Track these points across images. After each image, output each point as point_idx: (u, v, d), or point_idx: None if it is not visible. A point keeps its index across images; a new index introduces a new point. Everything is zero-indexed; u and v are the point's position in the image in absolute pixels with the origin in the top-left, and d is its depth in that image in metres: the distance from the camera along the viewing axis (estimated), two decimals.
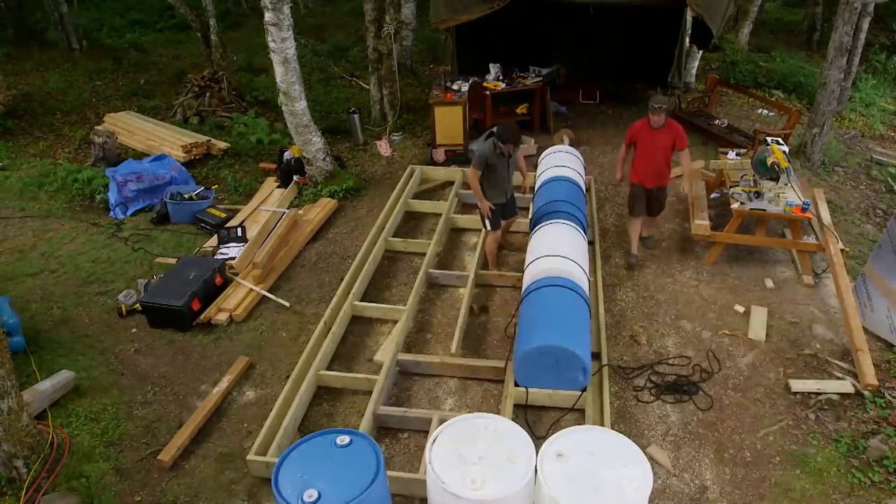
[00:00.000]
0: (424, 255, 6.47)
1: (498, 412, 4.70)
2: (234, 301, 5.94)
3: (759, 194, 6.25)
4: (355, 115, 9.04)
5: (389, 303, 6.04)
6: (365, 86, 10.78)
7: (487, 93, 8.95)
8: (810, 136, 8.38)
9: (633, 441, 3.33)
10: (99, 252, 6.82)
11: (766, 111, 10.36)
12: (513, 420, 4.31)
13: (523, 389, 4.83)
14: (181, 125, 9.64)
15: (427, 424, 4.64)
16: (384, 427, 4.75)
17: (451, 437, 3.49)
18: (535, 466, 3.30)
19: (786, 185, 6.38)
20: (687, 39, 10.16)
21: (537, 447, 3.42)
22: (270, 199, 7.60)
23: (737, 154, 7.73)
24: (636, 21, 10.42)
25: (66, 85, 11.33)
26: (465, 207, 7.67)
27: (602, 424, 4.52)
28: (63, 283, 6.32)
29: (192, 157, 8.58)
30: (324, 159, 7.78)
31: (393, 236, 6.89)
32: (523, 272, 5.58)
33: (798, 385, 5.03)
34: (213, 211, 7.29)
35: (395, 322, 5.70)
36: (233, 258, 6.47)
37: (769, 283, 6.22)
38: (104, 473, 4.38)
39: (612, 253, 6.72)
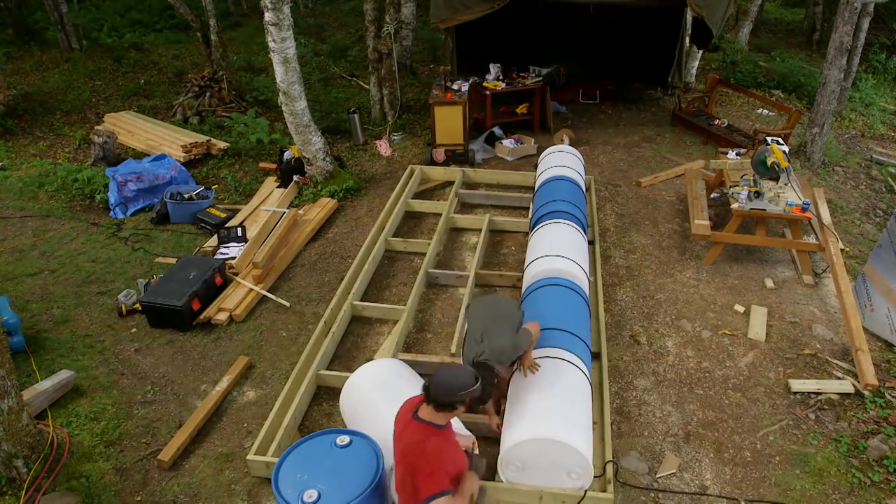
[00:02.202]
0: (424, 254, 6.48)
1: None
2: (234, 301, 5.94)
3: (759, 194, 6.25)
4: (355, 115, 9.04)
5: (389, 303, 6.04)
6: (365, 86, 10.78)
7: (487, 93, 8.95)
8: (810, 135, 8.38)
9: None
10: (99, 252, 6.82)
11: (766, 111, 10.37)
12: None
13: None
14: (181, 125, 9.64)
15: None
16: None
17: None
18: None
19: (786, 184, 6.39)
20: (687, 39, 10.17)
21: None
22: (270, 198, 7.61)
23: (737, 154, 7.74)
24: (636, 21, 10.45)
25: (66, 85, 11.32)
26: (465, 207, 7.68)
27: (602, 424, 4.52)
28: (63, 282, 6.32)
29: (192, 157, 8.58)
30: (324, 159, 7.78)
31: (393, 236, 6.89)
32: (523, 272, 5.58)
33: (798, 385, 5.03)
34: (213, 211, 7.29)
35: (395, 322, 5.70)
36: (233, 258, 6.47)
37: (769, 283, 6.22)
38: (104, 473, 4.38)
39: (612, 253, 6.72)
